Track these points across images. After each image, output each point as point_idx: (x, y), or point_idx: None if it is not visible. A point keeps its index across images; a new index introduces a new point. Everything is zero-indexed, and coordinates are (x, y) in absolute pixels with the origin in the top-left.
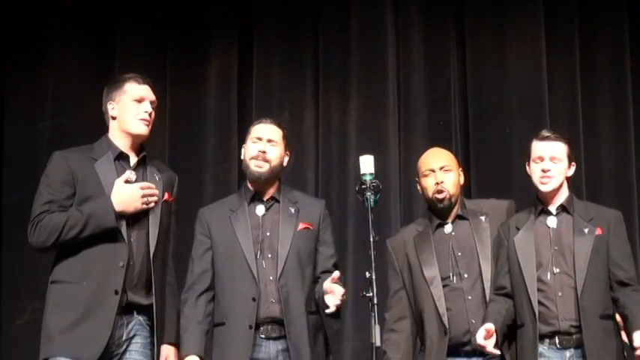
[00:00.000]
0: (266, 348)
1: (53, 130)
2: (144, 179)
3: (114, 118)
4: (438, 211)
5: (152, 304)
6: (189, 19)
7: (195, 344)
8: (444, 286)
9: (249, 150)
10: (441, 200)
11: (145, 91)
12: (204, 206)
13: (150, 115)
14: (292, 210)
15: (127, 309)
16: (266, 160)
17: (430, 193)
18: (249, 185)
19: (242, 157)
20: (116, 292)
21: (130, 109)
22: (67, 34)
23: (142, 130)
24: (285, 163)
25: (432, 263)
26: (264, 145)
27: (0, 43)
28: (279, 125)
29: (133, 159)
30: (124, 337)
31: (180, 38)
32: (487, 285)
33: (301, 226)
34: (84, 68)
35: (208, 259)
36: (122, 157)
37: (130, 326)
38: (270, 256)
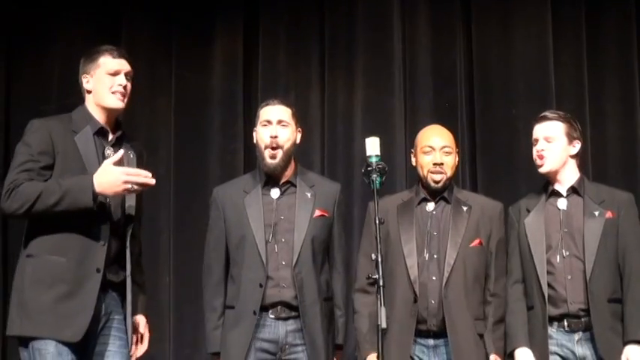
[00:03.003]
0: (275, 328)
1: (59, 113)
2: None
3: (89, 92)
4: (430, 188)
5: (123, 281)
6: (195, 0)
7: (219, 343)
8: None
9: (261, 135)
10: (437, 182)
11: (119, 64)
12: (210, 188)
13: (125, 87)
14: (309, 195)
15: (102, 286)
16: (278, 146)
17: (426, 172)
18: (264, 168)
19: (255, 142)
20: (98, 271)
21: (105, 82)
22: (72, 16)
23: (117, 104)
24: (297, 141)
25: (411, 236)
26: (275, 129)
27: (6, 26)
28: (287, 104)
29: (111, 135)
30: (102, 312)
31: (185, 20)
32: (448, 268)
33: (317, 212)
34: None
35: (222, 242)
36: (101, 132)
37: (106, 301)
38: (283, 240)
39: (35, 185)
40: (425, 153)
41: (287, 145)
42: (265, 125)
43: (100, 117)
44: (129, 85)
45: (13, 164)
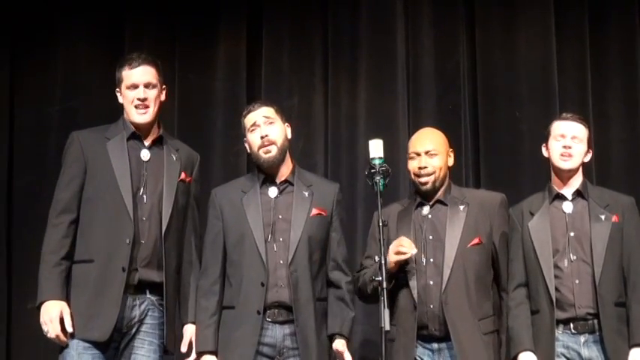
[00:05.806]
0: (272, 332)
1: (63, 115)
2: (159, 158)
3: (122, 106)
4: (421, 192)
5: (163, 282)
6: (199, 2)
7: (209, 342)
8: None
9: (252, 140)
10: (423, 184)
11: (137, 75)
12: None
13: (144, 100)
14: (306, 194)
15: (139, 288)
16: (271, 142)
17: (413, 176)
18: (262, 165)
19: (249, 151)
20: (123, 270)
21: (126, 97)
22: (76, 18)
23: (138, 118)
24: (289, 136)
25: None
26: (264, 129)
27: (10, 28)
28: (267, 104)
29: (147, 139)
30: (136, 319)
31: (189, 22)
32: (447, 272)
33: (314, 211)
34: (94, 53)
35: (220, 242)
36: (136, 136)
37: (142, 307)
38: (281, 239)
39: (45, 244)
40: (411, 159)
41: (279, 140)
42: (253, 130)
43: (133, 126)
44: (150, 96)
45: (55, 193)
